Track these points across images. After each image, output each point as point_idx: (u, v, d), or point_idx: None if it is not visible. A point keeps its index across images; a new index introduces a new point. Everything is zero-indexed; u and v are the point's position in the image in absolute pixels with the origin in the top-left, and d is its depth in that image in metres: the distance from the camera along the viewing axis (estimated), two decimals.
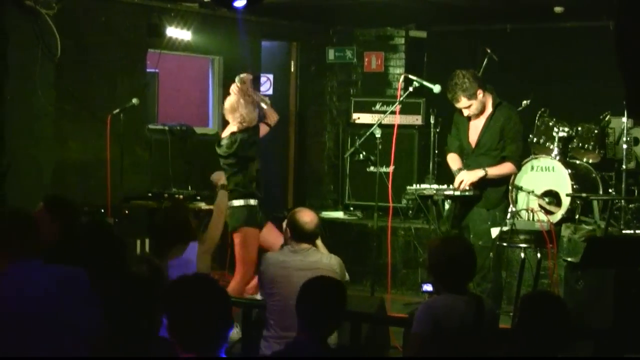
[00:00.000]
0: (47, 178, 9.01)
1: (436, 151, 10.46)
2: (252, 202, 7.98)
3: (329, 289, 4.58)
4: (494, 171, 7.95)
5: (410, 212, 10.40)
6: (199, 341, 3.58)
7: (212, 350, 3.60)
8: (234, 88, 8.10)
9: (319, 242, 6.52)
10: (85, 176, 9.51)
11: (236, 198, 7.89)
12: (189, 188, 9.89)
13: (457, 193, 7.86)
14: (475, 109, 7.97)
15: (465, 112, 8.02)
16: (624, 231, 8.67)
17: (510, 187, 8.51)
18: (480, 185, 7.92)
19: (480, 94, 7.91)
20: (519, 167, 8.34)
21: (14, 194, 8.59)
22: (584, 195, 8.92)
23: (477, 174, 7.90)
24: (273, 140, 12.63)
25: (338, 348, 5.54)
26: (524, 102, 9.57)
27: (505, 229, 7.51)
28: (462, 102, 7.93)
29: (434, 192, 8.01)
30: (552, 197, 9.12)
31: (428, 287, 5.56)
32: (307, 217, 6.23)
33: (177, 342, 3.61)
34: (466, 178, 7.86)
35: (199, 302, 3.59)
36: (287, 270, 6.11)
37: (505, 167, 8.02)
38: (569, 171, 9.08)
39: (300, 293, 4.56)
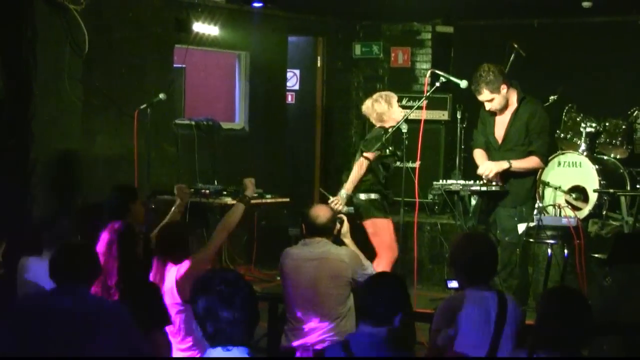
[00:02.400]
0: (75, 173, 9.07)
1: (462, 146, 10.44)
2: (373, 196, 8.32)
3: (381, 283, 4.67)
4: (519, 164, 7.92)
5: (437, 207, 10.40)
6: (226, 336, 3.60)
7: (237, 345, 3.61)
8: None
9: (348, 240, 6.57)
10: (112, 171, 9.56)
11: (364, 192, 8.33)
12: (215, 183, 9.92)
13: (484, 188, 7.85)
14: (498, 104, 7.94)
15: (487, 106, 7.98)
16: None
17: (537, 183, 8.48)
18: (507, 181, 7.89)
19: (504, 89, 7.87)
20: (545, 162, 8.28)
21: (42, 189, 8.65)
22: (611, 191, 8.88)
23: (501, 165, 7.88)
24: (299, 135, 12.69)
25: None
26: (551, 97, 9.54)
27: (532, 224, 7.49)
28: (484, 95, 7.90)
29: (460, 187, 7.99)
30: (579, 192, 9.09)
31: (453, 284, 5.57)
32: (319, 211, 6.34)
33: (205, 337, 3.63)
34: (491, 167, 7.86)
35: (226, 296, 3.61)
36: (297, 261, 6.23)
37: (531, 161, 7.97)
38: (596, 167, 9.04)
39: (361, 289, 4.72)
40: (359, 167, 8.20)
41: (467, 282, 5.11)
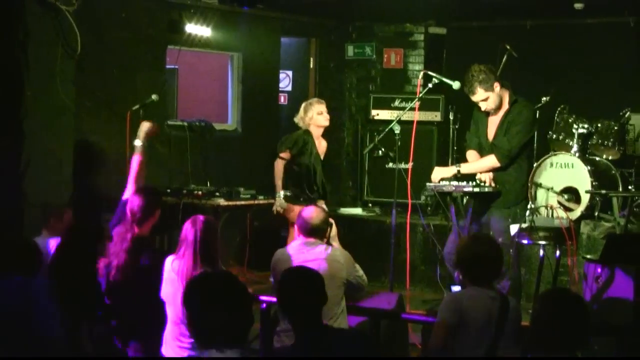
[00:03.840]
0: (67, 174, 9.05)
1: (455, 147, 10.45)
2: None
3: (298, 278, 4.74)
4: (469, 167, 7.95)
5: (429, 208, 10.40)
6: (219, 338, 3.59)
7: (231, 346, 3.60)
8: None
9: (336, 243, 6.60)
10: (104, 172, 9.54)
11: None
12: (208, 184, 9.92)
13: (476, 189, 7.84)
14: (493, 103, 7.91)
15: (483, 106, 7.96)
16: None
17: (529, 184, 8.47)
18: (499, 182, 7.89)
19: (497, 87, 7.85)
20: (505, 160, 7.91)
21: (34, 190, 8.63)
22: (603, 192, 8.88)
23: (450, 170, 7.95)
24: None
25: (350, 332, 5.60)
26: (544, 98, 9.55)
27: (524, 225, 7.50)
28: (479, 95, 7.87)
29: (453, 188, 7.99)
30: (572, 193, 9.09)
31: (457, 289, 5.69)
32: (312, 212, 6.39)
33: (197, 339, 3.62)
34: (437, 174, 7.93)
35: (219, 298, 3.60)
36: (291, 262, 6.21)
37: (484, 162, 7.91)
38: (589, 168, 9.04)
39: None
40: (274, 167, 9.18)
41: (470, 282, 5.24)
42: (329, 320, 6.14)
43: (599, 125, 9.51)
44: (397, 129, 8.24)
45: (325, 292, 4.73)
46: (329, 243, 6.47)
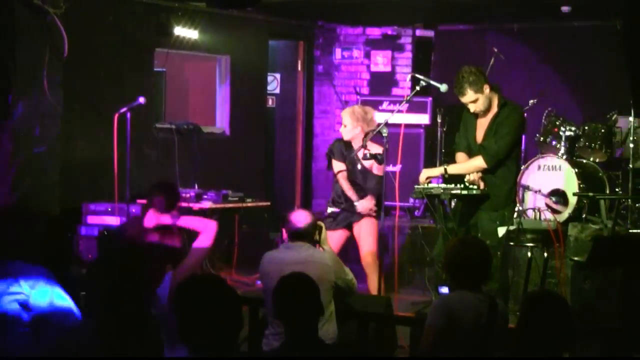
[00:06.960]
0: (54, 177, 9.03)
1: (443, 150, 10.46)
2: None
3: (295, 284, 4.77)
4: (456, 168, 7.97)
5: (417, 211, 10.41)
6: (209, 342, 3.58)
7: (221, 351, 3.60)
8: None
9: (326, 247, 6.57)
10: (92, 175, 9.53)
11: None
12: (196, 186, 9.91)
13: (465, 192, 7.85)
14: (482, 105, 7.92)
15: (472, 108, 7.96)
16: (631, 230, 8.66)
17: (517, 187, 8.49)
18: (487, 184, 7.91)
19: (486, 89, 7.86)
20: (492, 162, 7.86)
21: (21, 193, 8.62)
22: (590, 194, 8.90)
23: (437, 170, 7.98)
24: (281, 139, 12.69)
25: (339, 347, 5.60)
26: (531, 101, 9.57)
27: (512, 228, 7.51)
28: (469, 96, 7.87)
29: (441, 191, 7.99)
30: (559, 196, 9.11)
31: (445, 290, 5.69)
32: (299, 216, 6.37)
33: (187, 343, 3.61)
34: (426, 174, 7.96)
35: (208, 302, 3.59)
36: (279, 265, 6.20)
37: (471, 163, 7.91)
38: (576, 170, 9.07)
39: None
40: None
41: (459, 286, 5.23)
42: (317, 324, 6.13)
43: (586, 127, 9.54)
44: (384, 132, 8.26)
45: (320, 302, 4.74)
46: (320, 247, 6.46)
